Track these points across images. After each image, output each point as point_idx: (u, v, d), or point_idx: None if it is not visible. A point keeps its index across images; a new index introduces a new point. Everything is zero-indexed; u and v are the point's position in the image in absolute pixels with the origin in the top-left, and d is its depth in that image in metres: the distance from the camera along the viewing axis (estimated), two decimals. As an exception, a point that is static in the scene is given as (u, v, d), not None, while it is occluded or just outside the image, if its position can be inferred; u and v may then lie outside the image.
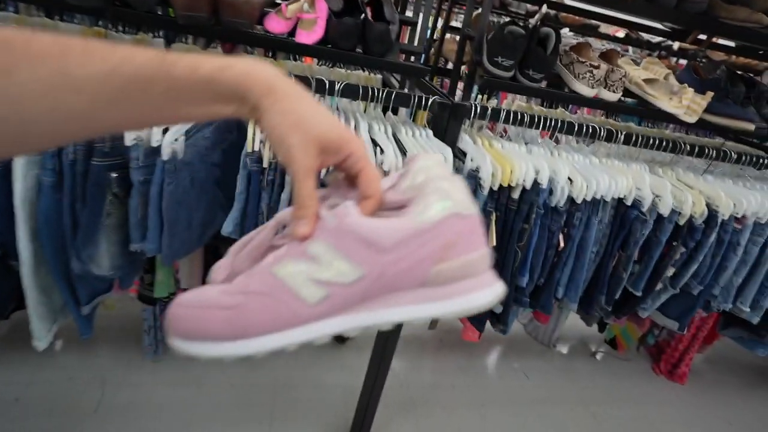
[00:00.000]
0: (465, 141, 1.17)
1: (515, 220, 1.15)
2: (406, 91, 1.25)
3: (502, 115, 1.15)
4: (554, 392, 2.04)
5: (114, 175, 0.95)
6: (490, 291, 0.37)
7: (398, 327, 1.31)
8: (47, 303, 1.00)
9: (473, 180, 1.11)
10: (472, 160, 1.13)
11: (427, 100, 1.10)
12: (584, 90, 1.23)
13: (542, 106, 1.84)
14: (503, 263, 1.18)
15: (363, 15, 1.09)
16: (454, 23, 1.69)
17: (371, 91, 1.09)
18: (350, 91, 1.09)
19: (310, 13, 1.08)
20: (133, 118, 0.35)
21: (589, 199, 1.17)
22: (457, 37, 1.56)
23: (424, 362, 2.07)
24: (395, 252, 0.35)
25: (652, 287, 1.32)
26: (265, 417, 1.63)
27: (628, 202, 1.22)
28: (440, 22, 1.49)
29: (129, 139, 0.90)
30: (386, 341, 1.34)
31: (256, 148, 0.99)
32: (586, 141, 1.46)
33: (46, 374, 1.60)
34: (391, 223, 0.36)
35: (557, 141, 1.41)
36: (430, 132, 1.16)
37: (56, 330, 1.02)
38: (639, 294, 1.32)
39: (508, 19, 1.30)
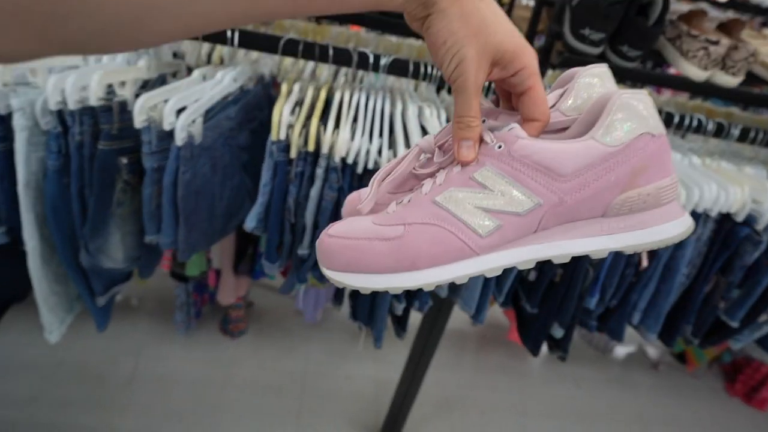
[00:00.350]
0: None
1: (590, 232, 0.94)
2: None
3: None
4: (608, 407, 1.84)
5: (125, 160, 0.83)
6: (680, 223, 0.34)
7: (444, 321, 1.17)
8: (61, 293, 0.93)
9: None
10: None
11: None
12: (694, 72, 0.97)
13: (623, 84, 1.55)
14: (570, 282, 0.99)
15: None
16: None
17: (423, 67, 0.90)
18: (398, 68, 0.91)
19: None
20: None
21: (687, 211, 0.94)
22: (531, 3, 1.31)
23: (464, 359, 1.93)
24: (577, 178, 0.33)
25: (754, 318, 1.09)
26: (294, 406, 1.56)
27: (739, 218, 0.98)
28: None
29: (139, 120, 0.78)
30: (429, 334, 1.19)
31: (282, 136, 0.84)
32: (681, 132, 1.20)
33: (84, 341, 1.60)
34: (572, 146, 0.33)
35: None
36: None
37: (71, 321, 0.95)
38: (735, 325, 1.09)
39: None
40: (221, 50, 1.07)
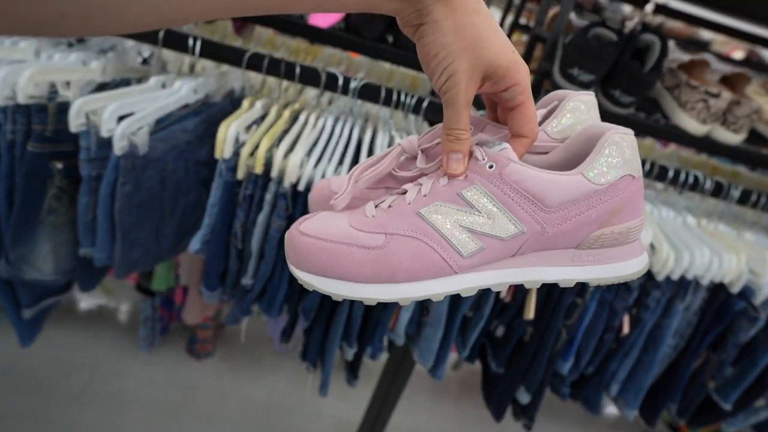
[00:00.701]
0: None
1: (566, 290, 0.85)
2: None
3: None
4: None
5: (59, 165, 0.77)
6: (640, 261, 0.36)
7: (411, 362, 1.07)
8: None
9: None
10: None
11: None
12: (692, 125, 0.90)
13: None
14: (540, 342, 0.89)
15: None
16: (524, 21, 1.37)
17: (396, 94, 0.84)
18: (369, 93, 0.84)
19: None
20: None
21: (676, 277, 0.84)
22: (526, 38, 1.25)
23: (441, 406, 1.80)
24: (561, 211, 0.34)
25: (750, 402, 0.97)
26: (251, 437, 1.45)
27: (734, 289, 0.88)
28: (509, 19, 1.19)
29: (75, 124, 0.72)
30: (395, 375, 1.09)
31: (227, 154, 0.77)
32: (679, 188, 1.11)
33: (38, 350, 1.52)
34: (562, 179, 0.33)
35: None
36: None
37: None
38: (728, 408, 0.97)
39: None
40: (205, 63, 1.02)
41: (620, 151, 0.33)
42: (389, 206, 0.35)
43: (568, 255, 0.35)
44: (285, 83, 0.99)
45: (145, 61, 0.98)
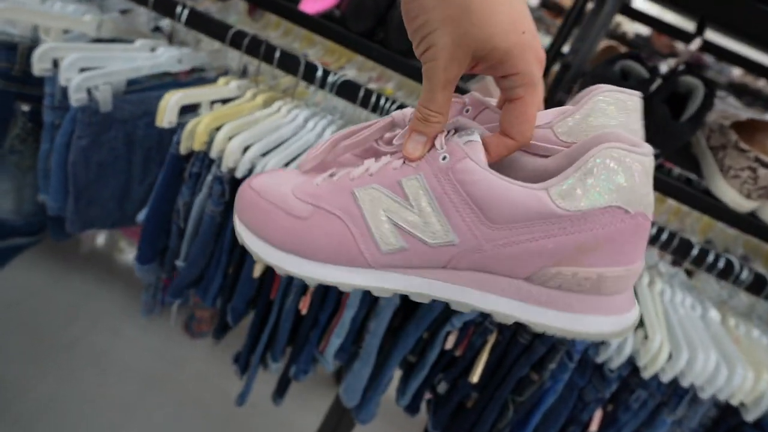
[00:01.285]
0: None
1: (520, 359, 0.70)
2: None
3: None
4: None
5: (26, 108, 0.78)
6: (613, 322, 0.28)
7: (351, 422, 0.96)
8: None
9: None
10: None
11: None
12: (731, 197, 0.71)
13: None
14: (482, 412, 0.74)
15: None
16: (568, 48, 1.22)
17: (376, 98, 0.75)
18: (347, 91, 0.77)
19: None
20: None
21: (666, 379, 0.66)
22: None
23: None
24: (508, 230, 0.27)
25: None
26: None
27: (748, 416, 0.67)
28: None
29: (38, 68, 0.72)
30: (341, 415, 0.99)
31: (165, 123, 0.73)
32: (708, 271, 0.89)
33: (50, 291, 1.61)
34: (516, 191, 0.27)
35: (662, 255, 0.88)
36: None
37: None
38: None
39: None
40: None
41: (612, 171, 0.25)
42: (334, 176, 0.33)
43: (513, 286, 0.29)
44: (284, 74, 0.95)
45: (157, 29, 0.99)
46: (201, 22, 0.80)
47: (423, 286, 0.31)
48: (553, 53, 1.07)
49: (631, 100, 0.31)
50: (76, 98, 0.73)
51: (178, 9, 0.79)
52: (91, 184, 0.83)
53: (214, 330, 0.88)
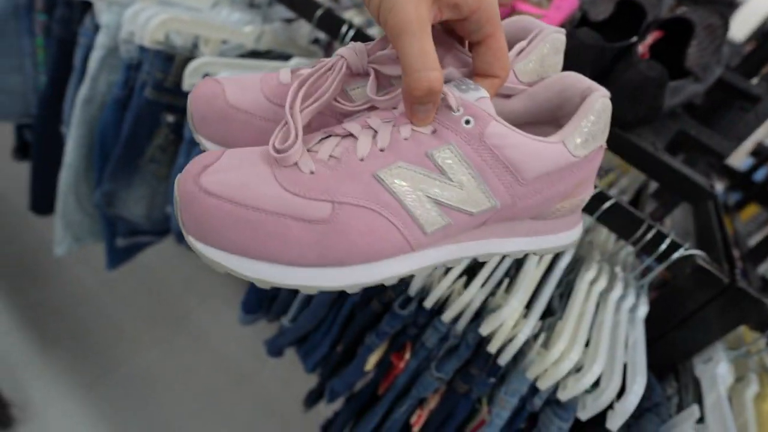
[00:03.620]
0: (712, 374, 0.53)
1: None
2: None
3: None
4: None
5: (171, 119, 0.73)
6: (576, 231, 0.34)
7: None
8: (94, 215, 0.90)
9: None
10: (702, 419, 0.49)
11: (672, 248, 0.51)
12: None
13: None
14: None
15: (633, 40, 0.55)
16: None
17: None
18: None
19: (540, 7, 0.60)
20: None
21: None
22: None
23: None
24: (534, 183, 0.29)
25: None
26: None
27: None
28: None
29: (188, 83, 0.66)
30: None
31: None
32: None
33: (176, 257, 1.66)
34: (545, 148, 0.28)
35: None
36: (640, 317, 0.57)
37: (77, 247, 0.91)
38: None
39: None
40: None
41: (604, 118, 0.29)
42: (331, 157, 0.27)
43: (525, 226, 0.31)
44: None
45: (316, 41, 0.90)
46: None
47: (456, 252, 0.30)
48: None
49: (562, 40, 0.33)
50: (218, 121, 0.65)
51: (344, 28, 0.68)
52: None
53: (306, 398, 0.77)
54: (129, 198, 0.80)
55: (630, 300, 0.58)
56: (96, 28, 0.73)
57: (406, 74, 0.26)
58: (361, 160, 0.27)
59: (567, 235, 0.34)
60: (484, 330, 0.53)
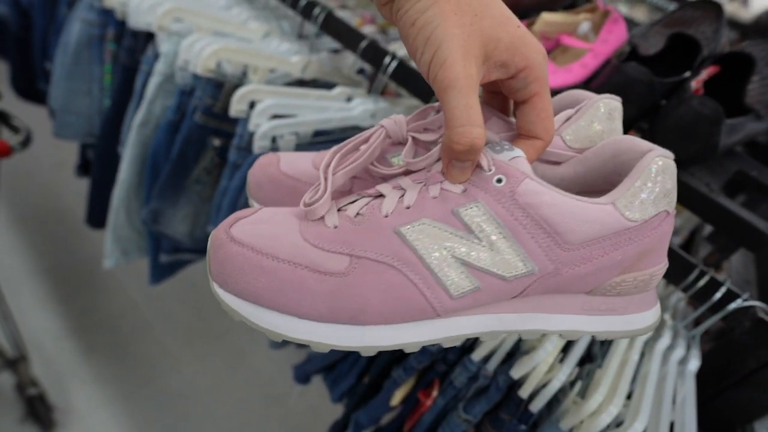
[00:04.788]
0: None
1: None
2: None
3: None
4: None
5: (217, 143, 0.76)
6: (653, 313, 0.31)
7: None
8: (142, 231, 0.94)
9: None
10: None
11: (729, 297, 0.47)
12: None
13: None
14: None
15: (686, 75, 0.53)
16: None
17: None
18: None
19: (586, 41, 0.59)
20: None
21: None
22: None
23: None
24: (583, 249, 0.27)
25: None
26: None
27: None
28: None
29: (235, 109, 0.68)
30: None
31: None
32: None
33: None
34: (590, 208, 0.26)
35: None
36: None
37: (125, 261, 0.96)
38: None
39: None
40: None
41: (662, 180, 0.26)
42: (357, 214, 0.28)
43: (579, 300, 0.29)
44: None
45: (361, 71, 0.92)
46: (407, 78, 0.69)
47: (494, 324, 0.29)
48: None
49: (618, 106, 0.32)
50: (260, 145, 0.67)
51: (387, 59, 0.69)
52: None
53: (330, 429, 0.75)
54: (174, 216, 0.83)
55: (680, 351, 0.54)
56: (156, 56, 0.78)
57: (449, 128, 0.25)
58: (386, 216, 0.27)
59: (638, 318, 0.30)
60: (516, 373, 0.50)
